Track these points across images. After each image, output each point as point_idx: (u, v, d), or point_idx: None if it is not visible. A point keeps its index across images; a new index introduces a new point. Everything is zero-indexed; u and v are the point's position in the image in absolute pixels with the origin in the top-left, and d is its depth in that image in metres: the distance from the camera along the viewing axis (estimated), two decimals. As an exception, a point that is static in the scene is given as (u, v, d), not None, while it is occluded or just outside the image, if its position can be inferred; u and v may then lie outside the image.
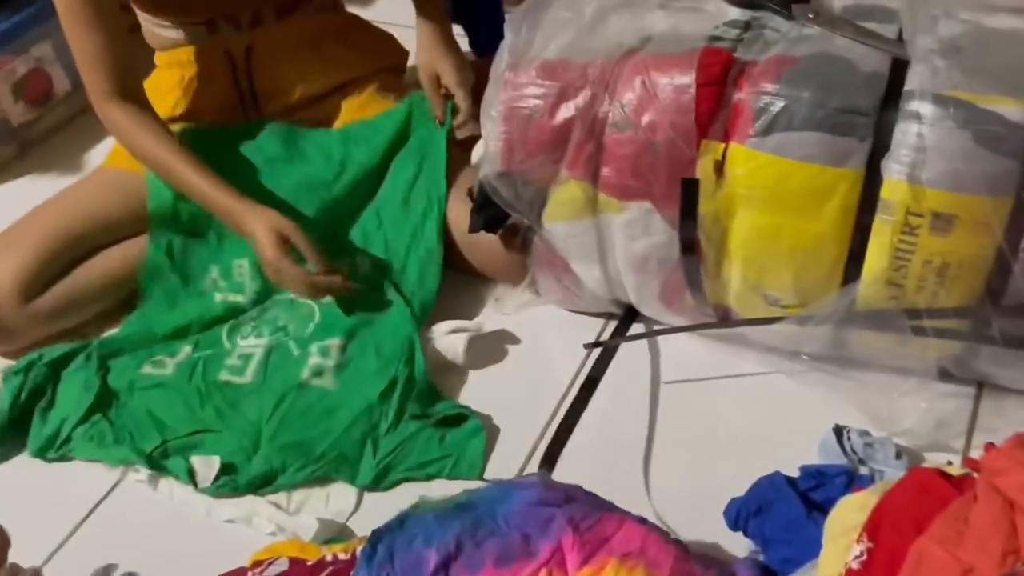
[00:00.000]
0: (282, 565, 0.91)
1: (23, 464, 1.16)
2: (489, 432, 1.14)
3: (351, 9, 1.51)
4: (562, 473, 1.08)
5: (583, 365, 1.20)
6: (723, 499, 1.00)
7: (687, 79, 0.98)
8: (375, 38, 1.49)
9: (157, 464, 1.11)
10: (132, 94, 1.25)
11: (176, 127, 1.34)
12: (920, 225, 0.93)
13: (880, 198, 0.95)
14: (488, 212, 1.18)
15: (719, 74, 0.98)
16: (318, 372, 1.20)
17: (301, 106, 1.41)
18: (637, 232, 1.07)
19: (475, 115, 1.23)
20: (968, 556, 0.76)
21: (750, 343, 1.17)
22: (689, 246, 1.02)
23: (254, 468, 1.10)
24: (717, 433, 1.13)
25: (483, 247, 1.26)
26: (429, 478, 1.10)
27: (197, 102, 1.39)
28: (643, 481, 1.08)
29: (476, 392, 1.20)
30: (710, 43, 1.01)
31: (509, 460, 1.11)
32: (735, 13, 1.05)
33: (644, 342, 1.22)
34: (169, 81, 1.39)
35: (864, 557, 0.82)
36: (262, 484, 1.09)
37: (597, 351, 1.19)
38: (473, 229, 1.20)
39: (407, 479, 1.10)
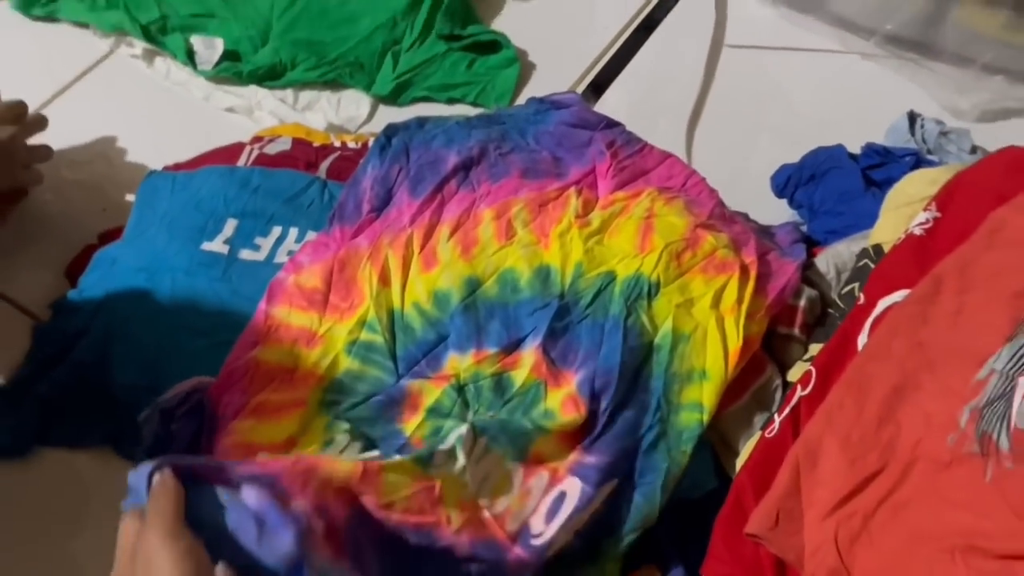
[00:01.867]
0: (284, 143, 0.82)
1: (3, 17, 1.04)
2: (524, 67, 1.02)
3: None
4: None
5: (641, 10, 1.07)
6: (768, 170, 0.92)
7: None
8: None
9: (154, 38, 1.00)
10: None
11: None
12: None
13: None
14: None
15: None
16: None
17: None
18: None
19: None
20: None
21: (830, 16, 1.03)
22: None
23: (260, 58, 0.99)
24: (775, 105, 1.02)
25: None
26: (451, 101, 1.00)
27: None
28: (684, 141, 0.98)
29: (514, 23, 1.07)
30: None
31: (541, 98, 1.00)
32: None
33: (711, 1, 1.08)
34: None
35: (929, 224, 0.74)
36: (267, 76, 0.98)
37: (658, -4, 1.06)
38: None
39: (427, 98, 1.00)
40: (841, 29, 1.03)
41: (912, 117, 0.94)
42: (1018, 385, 0.61)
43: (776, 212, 0.91)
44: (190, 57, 0.98)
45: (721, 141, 0.99)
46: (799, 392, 0.69)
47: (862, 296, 0.72)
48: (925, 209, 0.75)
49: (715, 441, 0.71)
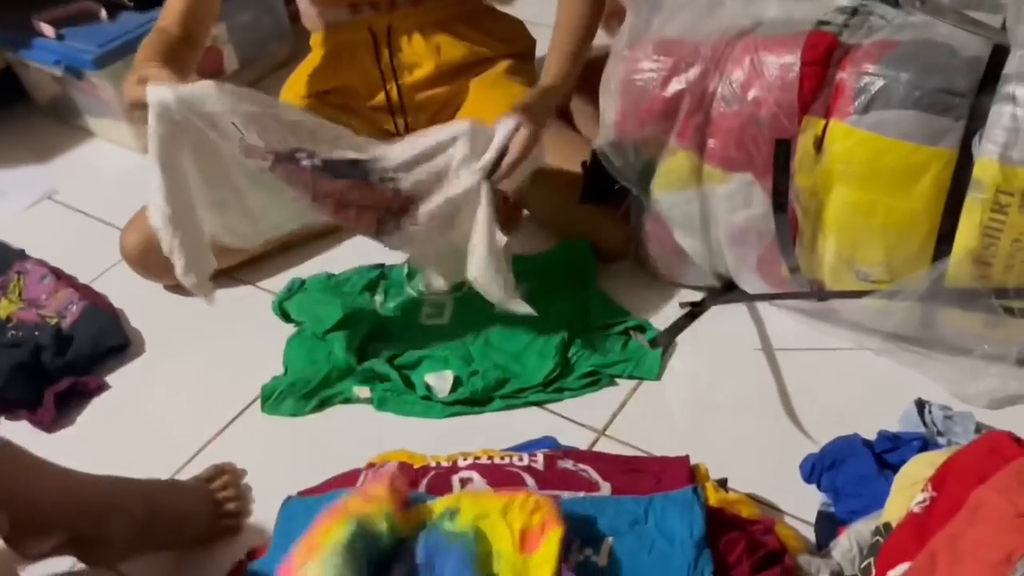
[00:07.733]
0: (392, 467, 1.03)
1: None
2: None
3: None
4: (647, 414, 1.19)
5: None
6: (798, 456, 1.07)
7: (792, 58, 1.05)
8: (505, 23, 1.60)
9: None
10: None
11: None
12: (1010, 204, 0.98)
13: (972, 177, 0.99)
14: (599, 184, 1.27)
15: (823, 55, 1.05)
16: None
17: (434, 81, 1.53)
18: (738, 203, 1.14)
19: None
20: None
21: (840, 320, 1.22)
22: (782, 204, 1.09)
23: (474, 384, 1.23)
24: (799, 399, 1.18)
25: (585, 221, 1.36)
26: (611, 378, 1.23)
27: (344, 75, 1.54)
28: (718, 433, 1.14)
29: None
30: (818, 27, 1.08)
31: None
32: (845, 0, 1.11)
33: (738, 310, 1.28)
34: (321, 58, 1.55)
35: (926, 503, 0.88)
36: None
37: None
38: (584, 200, 1.30)
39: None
40: (854, 331, 1.21)
41: (920, 404, 1.10)
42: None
43: (808, 496, 1.04)
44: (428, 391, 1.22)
45: (755, 430, 1.15)
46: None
47: (874, 570, 0.85)
48: (923, 490, 0.89)
49: None
